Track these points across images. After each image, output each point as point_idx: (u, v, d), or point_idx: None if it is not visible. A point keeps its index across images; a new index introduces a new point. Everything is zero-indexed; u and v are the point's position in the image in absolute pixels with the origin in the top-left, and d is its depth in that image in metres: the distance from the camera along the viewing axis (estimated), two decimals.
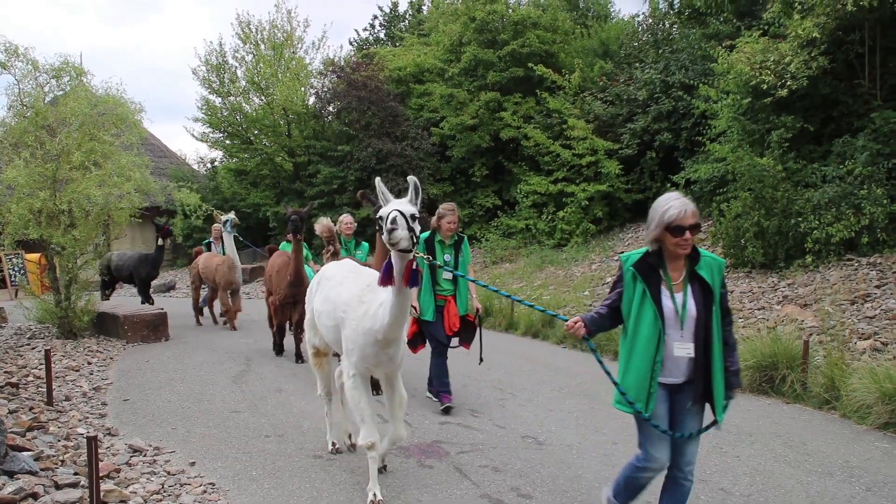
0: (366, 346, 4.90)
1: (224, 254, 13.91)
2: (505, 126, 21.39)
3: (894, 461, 5.79)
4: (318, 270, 12.84)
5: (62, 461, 5.55)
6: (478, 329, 7.86)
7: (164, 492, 5.21)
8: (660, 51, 19.77)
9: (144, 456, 6.00)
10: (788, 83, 11.70)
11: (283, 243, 11.70)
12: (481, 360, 7.87)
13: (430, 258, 4.85)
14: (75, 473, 5.25)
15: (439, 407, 7.55)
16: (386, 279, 4.52)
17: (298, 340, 10.27)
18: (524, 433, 6.65)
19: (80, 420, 7.04)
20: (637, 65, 19.96)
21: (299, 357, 10.21)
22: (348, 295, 5.16)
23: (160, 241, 15.07)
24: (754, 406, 7.65)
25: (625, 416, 7.34)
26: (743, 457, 5.97)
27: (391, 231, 4.22)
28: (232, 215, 13.44)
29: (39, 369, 8.91)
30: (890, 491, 5.20)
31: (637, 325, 3.94)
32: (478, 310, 7.79)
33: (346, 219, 9.73)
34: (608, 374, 4.14)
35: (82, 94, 11.81)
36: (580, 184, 18.55)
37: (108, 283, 16.48)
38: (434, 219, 7.63)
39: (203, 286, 14.90)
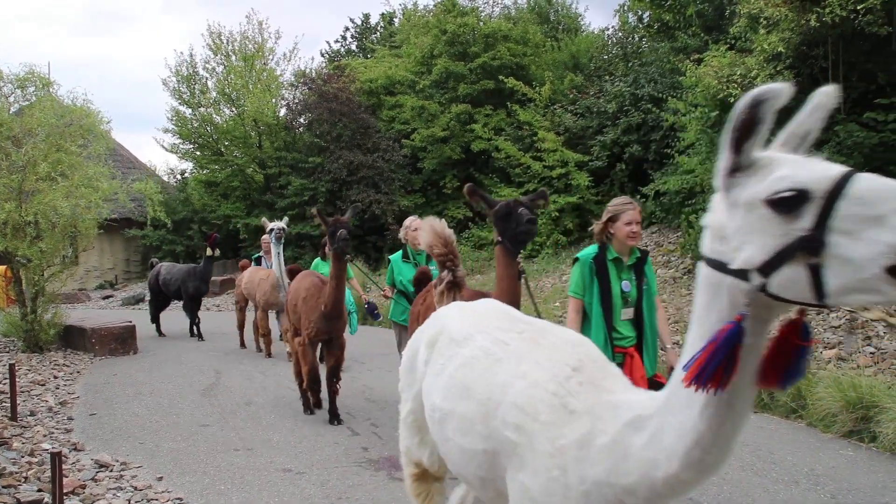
0: None
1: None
2: (476, 138, 21.45)
3: (858, 469, 5.87)
4: (359, 292, 10.10)
5: (26, 478, 5.47)
6: None
7: None
8: (629, 64, 19.97)
9: (111, 471, 5.92)
10: None
11: (317, 260, 10.08)
12: None
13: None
14: (39, 490, 5.18)
15: None
16: (716, 374, 1.78)
17: (333, 393, 7.62)
18: None
19: (45, 435, 6.95)
20: (607, 78, 20.15)
21: (335, 417, 7.54)
22: (526, 389, 2.49)
23: (209, 252, 13.68)
24: None
25: None
26: None
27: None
28: (282, 224, 11.23)
29: (3, 384, 8.76)
30: (854, 498, 5.27)
31: None
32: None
33: (416, 223, 7.44)
34: None
35: (49, 104, 11.72)
36: (550, 195, 18.63)
37: (158, 300, 14.84)
38: (602, 221, 4.89)
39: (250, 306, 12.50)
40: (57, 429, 7.31)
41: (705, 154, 13.53)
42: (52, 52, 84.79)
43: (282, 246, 11.02)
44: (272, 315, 12.41)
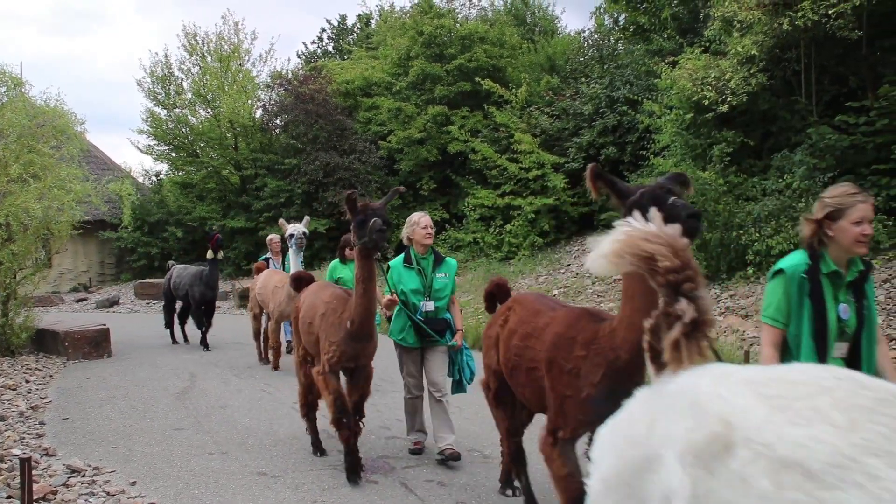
0: None
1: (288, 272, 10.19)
2: (452, 140, 21.46)
3: None
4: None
5: None
6: None
7: None
8: (605, 66, 20.10)
9: (83, 476, 5.85)
10: (729, 99, 11.97)
11: (335, 262, 8.63)
12: None
13: None
14: (8, 497, 5.11)
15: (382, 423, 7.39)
16: None
17: (353, 433, 5.79)
18: (470, 447, 6.64)
19: (15, 441, 6.86)
20: (583, 80, 20.25)
21: (355, 470, 5.71)
22: None
23: (210, 254, 12.67)
24: None
25: None
26: None
27: None
28: (303, 228, 9.86)
29: None
30: None
31: None
32: None
33: (426, 220, 6.36)
34: None
35: (20, 104, 11.58)
36: (527, 197, 18.67)
37: (171, 305, 13.92)
38: (815, 218, 3.49)
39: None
40: (28, 434, 7.21)
41: (680, 156, 13.63)
42: (24, 51, 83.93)
43: (302, 254, 9.86)
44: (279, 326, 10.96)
